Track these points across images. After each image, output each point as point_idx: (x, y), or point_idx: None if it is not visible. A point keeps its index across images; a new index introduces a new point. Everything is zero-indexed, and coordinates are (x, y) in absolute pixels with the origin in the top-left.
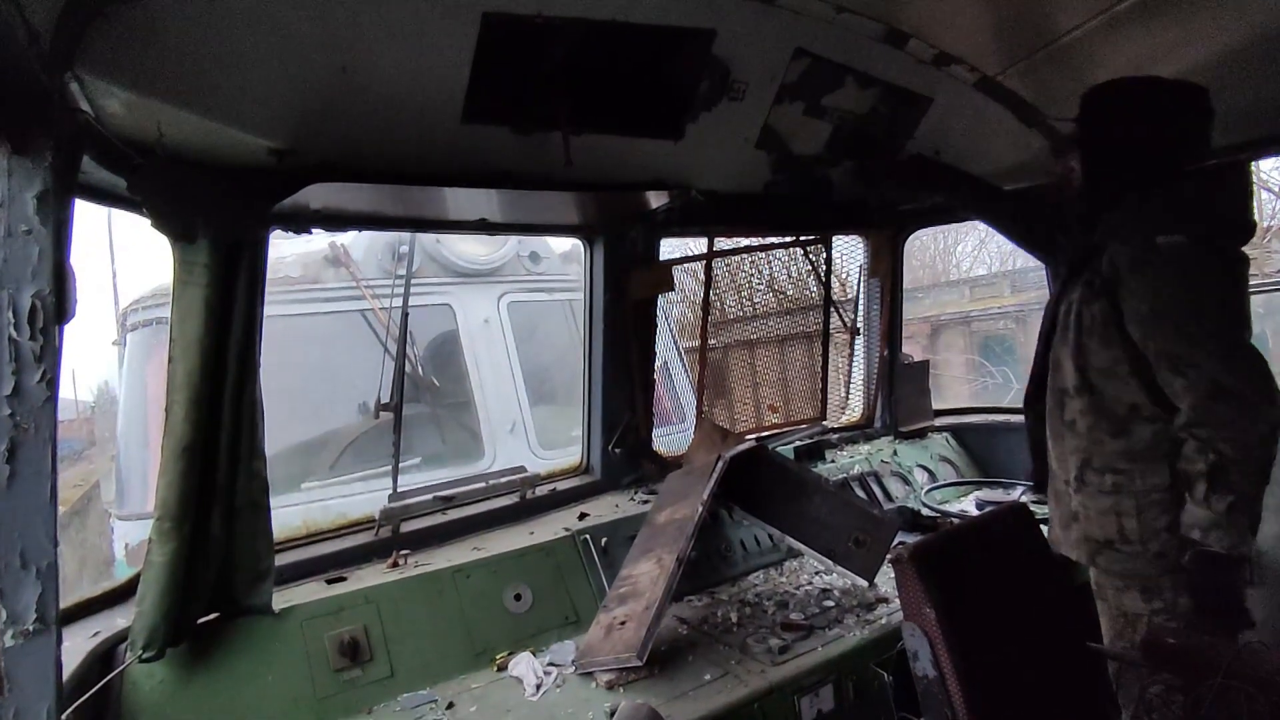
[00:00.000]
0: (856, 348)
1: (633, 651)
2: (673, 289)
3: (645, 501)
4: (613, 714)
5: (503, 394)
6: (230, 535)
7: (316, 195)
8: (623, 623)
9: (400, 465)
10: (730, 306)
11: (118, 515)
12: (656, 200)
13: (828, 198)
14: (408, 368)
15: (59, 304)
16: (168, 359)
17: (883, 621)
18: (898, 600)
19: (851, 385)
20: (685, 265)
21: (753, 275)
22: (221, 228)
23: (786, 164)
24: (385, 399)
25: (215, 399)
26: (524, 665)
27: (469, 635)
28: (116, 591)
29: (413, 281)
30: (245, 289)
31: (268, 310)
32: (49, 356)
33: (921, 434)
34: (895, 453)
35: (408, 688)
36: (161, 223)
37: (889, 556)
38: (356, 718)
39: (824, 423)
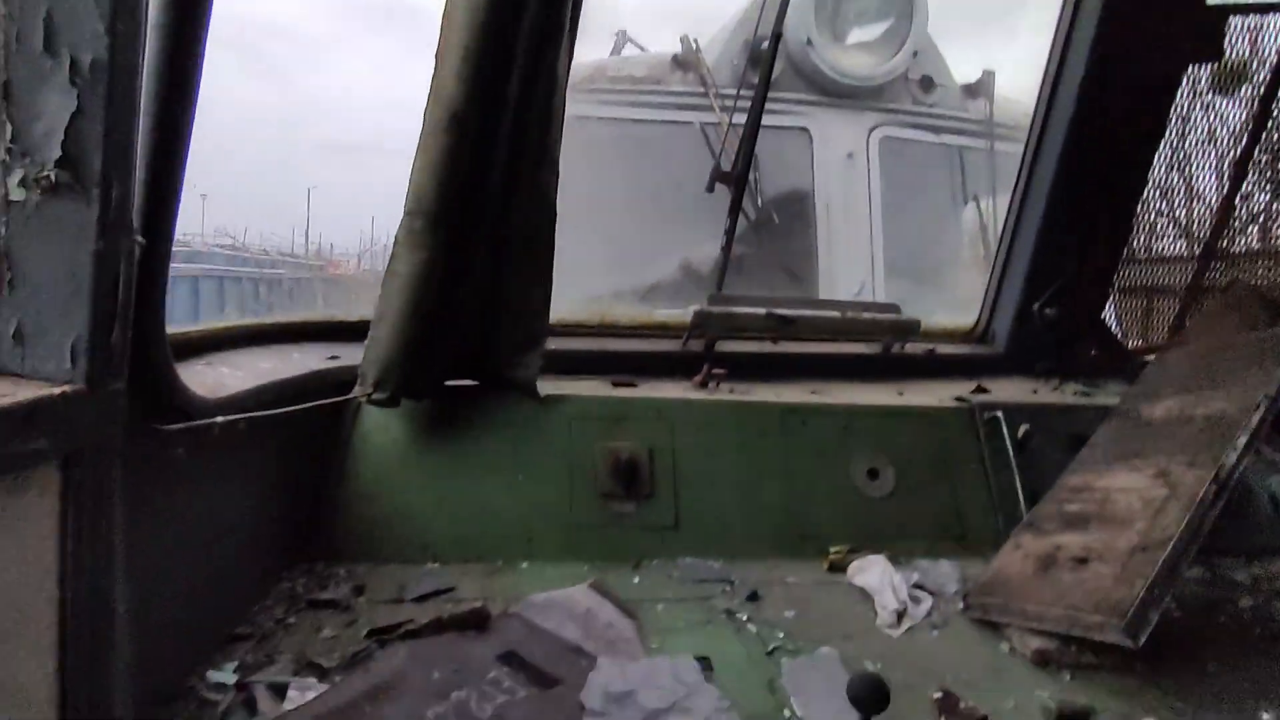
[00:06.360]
0: None
1: (1114, 616)
2: (1220, 55)
3: (1086, 394)
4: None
5: (854, 248)
6: (498, 273)
7: None
8: (1081, 560)
9: None
10: None
11: None
12: None
13: None
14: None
15: None
16: None
17: None
18: None
19: None
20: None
21: None
22: None
23: None
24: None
25: (502, 58)
26: (875, 574)
27: (793, 507)
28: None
29: (768, 97)
30: None
31: (595, 110)
32: None
33: None
34: None
35: (694, 550)
36: None
37: None
38: (618, 567)
39: None
